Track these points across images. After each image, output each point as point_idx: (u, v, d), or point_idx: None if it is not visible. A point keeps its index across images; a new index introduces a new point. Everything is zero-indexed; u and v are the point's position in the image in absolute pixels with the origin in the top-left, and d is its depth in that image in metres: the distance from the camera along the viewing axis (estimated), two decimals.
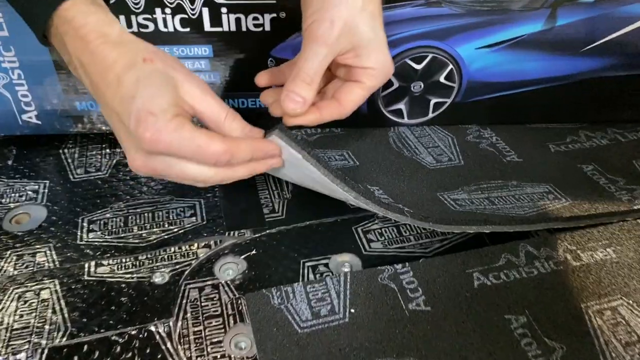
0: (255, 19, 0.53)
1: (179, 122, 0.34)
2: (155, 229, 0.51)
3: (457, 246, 0.49)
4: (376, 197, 0.47)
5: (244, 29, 0.53)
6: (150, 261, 0.47)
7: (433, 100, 0.61)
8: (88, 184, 0.56)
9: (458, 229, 0.47)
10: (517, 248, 0.47)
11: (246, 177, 0.41)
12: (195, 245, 0.49)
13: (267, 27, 0.54)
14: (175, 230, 0.51)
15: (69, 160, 0.60)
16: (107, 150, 0.61)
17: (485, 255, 0.46)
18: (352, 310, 0.41)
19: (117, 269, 0.46)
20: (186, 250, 0.48)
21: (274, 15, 0.53)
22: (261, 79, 0.47)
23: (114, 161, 0.60)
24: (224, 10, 0.52)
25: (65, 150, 0.61)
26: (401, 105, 0.62)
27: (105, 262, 0.47)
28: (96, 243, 0.49)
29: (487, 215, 0.49)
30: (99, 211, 0.53)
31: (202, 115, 0.38)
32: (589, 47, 0.58)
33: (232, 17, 0.53)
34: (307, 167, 0.44)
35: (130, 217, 0.52)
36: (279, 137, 0.41)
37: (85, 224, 0.51)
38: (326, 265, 0.47)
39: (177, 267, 0.47)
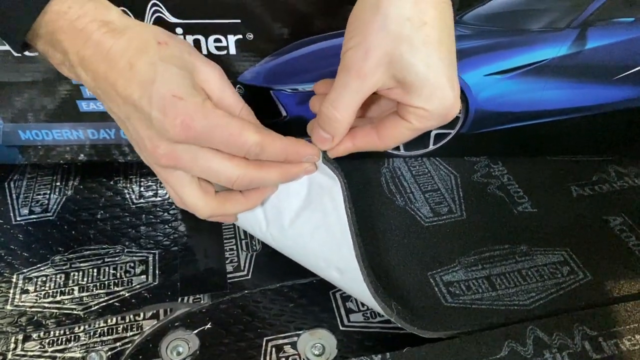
0: (217, 40, 0.45)
1: (210, 106, 0.32)
2: (99, 291, 0.44)
3: None
4: (375, 282, 0.39)
5: (204, 52, 0.45)
6: (87, 335, 0.41)
7: (434, 131, 0.52)
8: (32, 227, 0.49)
9: (446, 335, 0.39)
10: (524, 333, 0.39)
11: (279, 183, 0.37)
12: (142, 314, 0.42)
13: (232, 51, 0.45)
14: (122, 292, 0.44)
15: (14, 196, 0.52)
16: (58, 184, 0.54)
17: (485, 344, 0.38)
18: None
19: (48, 344, 0.40)
20: (130, 321, 0.41)
21: (240, 36, 0.44)
22: (319, 86, 0.39)
23: (64, 198, 0.52)
24: (179, 30, 0.44)
25: (11, 184, 0.54)
26: None
27: (35, 335, 0.41)
28: (28, 309, 0.42)
29: (482, 312, 0.42)
30: (40, 265, 0.46)
31: (218, 104, 0.34)
32: (625, 74, 0.48)
33: (190, 38, 0.44)
34: (333, 200, 0.37)
35: (72, 274, 0.45)
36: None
37: (20, 282, 0.44)
38: (294, 345, 0.40)
39: (117, 344, 0.40)
